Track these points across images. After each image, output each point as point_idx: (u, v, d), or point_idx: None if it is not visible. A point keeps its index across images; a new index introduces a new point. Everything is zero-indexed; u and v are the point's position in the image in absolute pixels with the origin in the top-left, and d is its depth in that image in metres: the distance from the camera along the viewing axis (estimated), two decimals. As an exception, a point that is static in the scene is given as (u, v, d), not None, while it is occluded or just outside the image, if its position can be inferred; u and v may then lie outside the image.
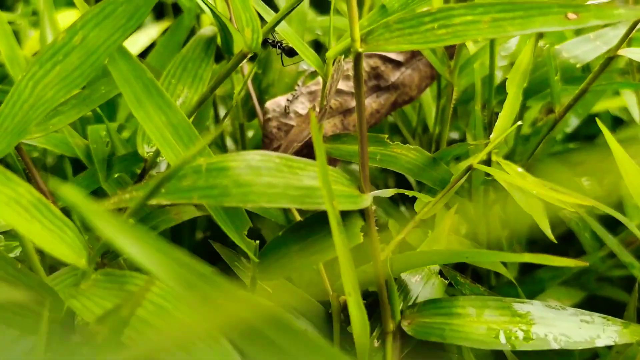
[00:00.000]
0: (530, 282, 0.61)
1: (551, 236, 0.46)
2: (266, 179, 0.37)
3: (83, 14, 0.35)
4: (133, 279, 0.34)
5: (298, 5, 0.41)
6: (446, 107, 0.58)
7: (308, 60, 0.49)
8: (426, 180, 0.50)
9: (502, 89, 0.61)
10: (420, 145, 0.70)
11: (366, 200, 0.41)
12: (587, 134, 0.88)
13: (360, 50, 0.38)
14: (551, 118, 0.62)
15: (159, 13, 1.04)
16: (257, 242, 0.42)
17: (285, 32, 0.49)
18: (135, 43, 1.00)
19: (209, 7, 0.51)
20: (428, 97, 0.64)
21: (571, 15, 0.35)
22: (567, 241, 0.70)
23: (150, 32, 0.99)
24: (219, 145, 0.70)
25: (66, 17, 0.91)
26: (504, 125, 0.52)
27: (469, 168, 0.50)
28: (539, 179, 0.78)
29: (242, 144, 0.61)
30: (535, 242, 0.76)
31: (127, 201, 0.36)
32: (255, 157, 0.38)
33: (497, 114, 0.59)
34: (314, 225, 0.42)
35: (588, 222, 0.67)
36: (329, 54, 0.51)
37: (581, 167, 0.86)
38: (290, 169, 0.39)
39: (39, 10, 0.72)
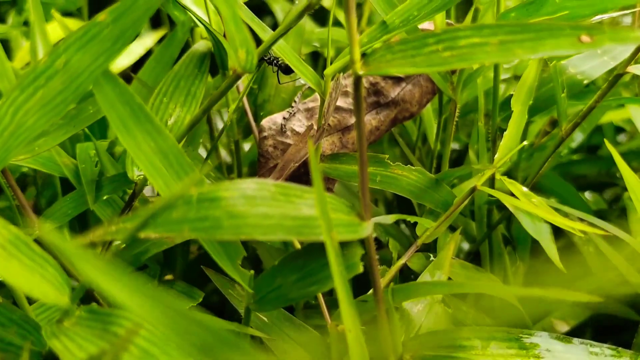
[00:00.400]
0: (534, 304, 0.59)
1: (560, 266, 0.44)
2: (261, 209, 0.35)
3: (66, 36, 0.33)
4: (119, 318, 0.32)
5: (295, 24, 0.39)
6: (448, 124, 0.56)
7: (305, 78, 0.47)
8: (428, 202, 0.48)
9: (506, 104, 0.59)
10: (421, 161, 0.68)
11: (366, 228, 0.39)
12: (589, 145, 0.86)
13: (360, 73, 0.36)
14: (557, 135, 0.60)
15: (154, 22, 1.02)
16: (252, 271, 0.40)
17: (282, 49, 0.47)
18: (130, 53, 0.98)
19: (202, 23, 0.49)
20: (429, 112, 0.62)
21: (584, 38, 0.33)
22: (568, 250, 0.68)
23: (145, 42, 0.97)
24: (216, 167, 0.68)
25: (60, 26, 0.88)
26: (509, 145, 0.50)
27: (473, 190, 0.48)
28: (543, 194, 0.76)
29: (238, 160, 0.59)
30: (539, 257, 0.75)
31: (113, 233, 0.34)
32: (250, 185, 0.36)
33: (501, 130, 0.58)
34: (312, 254, 0.40)
35: (593, 239, 0.65)
36: (327, 71, 0.49)
37: (584, 180, 0.85)
38: (286, 198, 0.37)
39: (30, 21, 0.70)
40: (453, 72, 0.58)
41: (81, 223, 0.61)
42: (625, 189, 0.87)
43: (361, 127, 0.37)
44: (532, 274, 0.77)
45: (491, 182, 0.56)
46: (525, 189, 0.52)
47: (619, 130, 0.90)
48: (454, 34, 0.35)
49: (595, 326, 0.71)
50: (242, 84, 0.59)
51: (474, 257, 0.61)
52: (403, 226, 0.65)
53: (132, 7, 0.33)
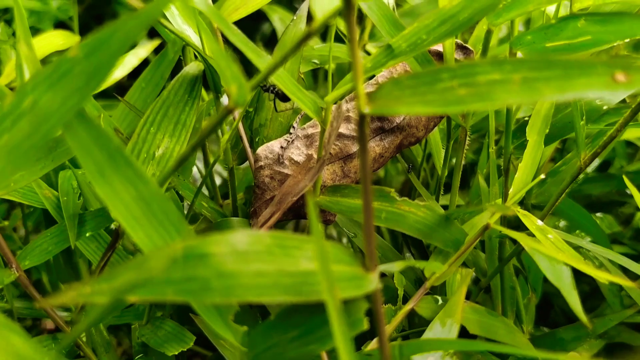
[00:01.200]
0: (550, 342, 0.55)
1: (585, 320, 0.40)
2: (255, 265, 0.32)
3: (34, 74, 0.29)
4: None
5: (294, 52, 0.35)
6: (458, 152, 0.52)
7: (304, 107, 0.43)
8: (437, 242, 0.44)
9: (520, 130, 0.55)
10: (425, 184, 0.65)
11: (372, 281, 0.35)
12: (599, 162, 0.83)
13: (365, 111, 0.32)
14: (571, 161, 0.57)
15: (150, 31, 0.98)
16: (245, 327, 0.36)
17: (279, 76, 0.43)
18: (124, 64, 0.94)
19: (192, 47, 0.46)
20: (436, 135, 0.59)
21: (619, 77, 0.29)
22: (580, 275, 0.65)
23: (139, 52, 0.93)
24: (207, 187, 0.64)
25: (49, 39, 0.85)
26: (525, 178, 0.46)
27: (486, 228, 0.44)
28: (553, 216, 0.72)
29: (232, 189, 0.55)
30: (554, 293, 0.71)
31: (87, 296, 0.30)
32: (242, 239, 0.32)
33: (514, 154, 0.54)
34: (312, 307, 0.37)
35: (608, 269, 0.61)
36: (328, 98, 0.45)
37: (594, 198, 0.81)
38: (283, 250, 0.33)
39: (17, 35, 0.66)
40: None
41: (66, 254, 0.57)
42: (638, 209, 0.83)
43: (366, 172, 0.33)
44: (545, 305, 0.74)
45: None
46: (540, 222, 0.48)
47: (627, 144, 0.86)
48: (471, 69, 0.31)
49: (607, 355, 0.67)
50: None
51: (484, 291, 0.57)
52: (408, 254, 0.61)
53: (108, 41, 0.29)
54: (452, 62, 0.51)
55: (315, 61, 0.67)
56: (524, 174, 0.46)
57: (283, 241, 0.33)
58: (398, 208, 0.45)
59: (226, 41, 0.52)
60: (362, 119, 0.33)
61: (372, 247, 0.36)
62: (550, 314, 0.77)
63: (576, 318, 0.71)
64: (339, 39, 0.95)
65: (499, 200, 0.54)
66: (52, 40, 0.82)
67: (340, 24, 0.90)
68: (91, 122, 0.31)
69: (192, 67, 0.50)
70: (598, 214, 0.77)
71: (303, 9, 0.59)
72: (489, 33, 0.47)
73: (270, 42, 1.13)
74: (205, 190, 0.71)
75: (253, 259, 0.32)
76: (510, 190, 0.46)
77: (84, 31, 1.28)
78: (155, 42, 0.83)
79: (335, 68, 0.78)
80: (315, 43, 0.86)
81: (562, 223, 0.74)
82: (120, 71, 0.93)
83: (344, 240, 0.78)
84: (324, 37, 0.94)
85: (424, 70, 0.32)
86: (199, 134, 0.39)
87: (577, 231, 0.72)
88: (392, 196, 0.45)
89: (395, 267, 0.39)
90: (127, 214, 0.32)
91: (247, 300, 0.31)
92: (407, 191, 0.81)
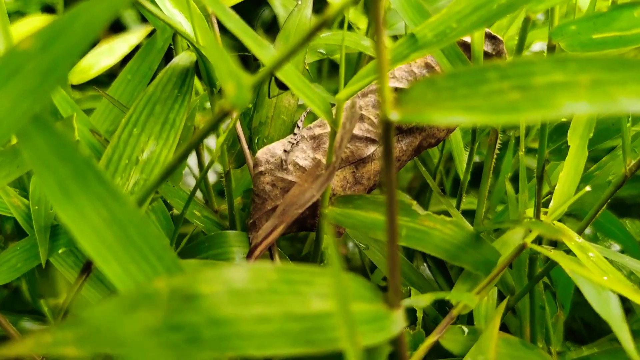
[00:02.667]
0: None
1: (633, 352, 0.34)
2: (256, 308, 0.26)
3: (-23, 72, 0.23)
4: None
5: (303, 46, 0.29)
6: (487, 160, 0.46)
7: (313, 106, 0.37)
8: (467, 264, 0.39)
9: (557, 132, 0.49)
10: (443, 190, 0.59)
11: (397, 322, 0.29)
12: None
13: (392, 118, 0.26)
14: (607, 164, 0.51)
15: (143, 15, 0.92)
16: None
17: (282, 70, 0.37)
18: (113, 51, 0.87)
19: (184, 36, 0.39)
20: (457, 136, 0.52)
21: None
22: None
23: (130, 39, 0.86)
24: (201, 189, 0.58)
25: (30, 24, 0.78)
26: (567, 190, 0.40)
27: (522, 248, 0.38)
28: (578, 219, 0.66)
29: (229, 195, 0.49)
30: (581, 299, 0.65)
31: (47, 346, 0.24)
32: (240, 275, 0.26)
33: (548, 162, 0.48)
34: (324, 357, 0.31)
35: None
36: (340, 96, 0.39)
37: (625, 203, 0.75)
38: (290, 287, 0.27)
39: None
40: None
41: (42, 269, 0.51)
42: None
43: (392, 192, 0.27)
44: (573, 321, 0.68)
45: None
46: (579, 239, 0.42)
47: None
48: (525, 68, 0.25)
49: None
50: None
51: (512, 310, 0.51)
52: (423, 267, 0.56)
53: (67, 30, 0.23)
54: (481, 53, 0.45)
55: (322, 51, 0.60)
56: (566, 185, 0.40)
57: (290, 275, 0.27)
58: (421, 224, 0.39)
59: (222, 29, 0.45)
60: (387, 127, 0.27)
61: (396, 280, 0.30)
62: (569, 322, 0.72)
63: (602, 332, 0.66)
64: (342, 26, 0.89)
65: (530, 211, 0.48)
66: (34, 26, 0.76)
67: (348, 13, 0.83)
68: (51, 128, 0.25)
69: (183, 58, 0.43)
70: (627, 219, 0.71)
71: (308, -8, 0.53)
72: (526, 21, 0.41)
73: (270, 29, 1.06)
74: (198, 192, 0.65)
75: (254, 300, 0.26)
76: (551, 204, 0.40)
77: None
78: (149, 28, 0.77)
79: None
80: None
81: (588, 229, 0.68)
82: (109, 59, 0.87)
83: (350, 244, 0.72)
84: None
85: (464, 69, 0.26)
86: (191, 137, 0.33)
87: (598, 234, 0.66)
88: (414, 210, 0.39)
89: (422, 301, 0.33)
90: (97, 242, 0.26)
91: (246, 354, 0.25)
92: (417, 191, 0.75)
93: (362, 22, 0.82)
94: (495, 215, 0.56)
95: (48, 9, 1.04)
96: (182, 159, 0.31)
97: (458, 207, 0.55)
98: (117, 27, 1.15)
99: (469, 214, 0.63)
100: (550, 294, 0.57)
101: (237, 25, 0.34)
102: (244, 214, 0.55)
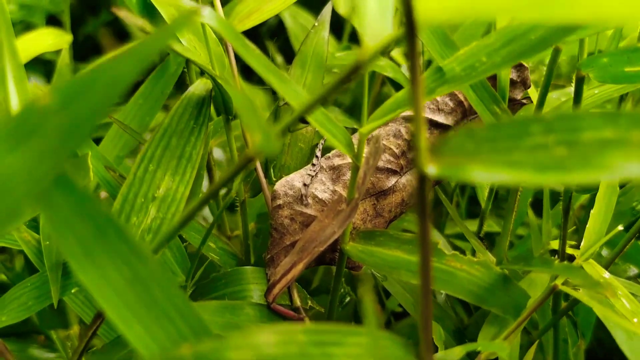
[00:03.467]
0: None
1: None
2: (286, 375, 0.24)
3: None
4: None
5: (331, 92, 0.28)
6: (512, 194, 0.45)
7: (334, 141, 0.36)
8: (495, 307, 0.37)
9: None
10: (461, 216, 0.57)
11: (430, 382, 0.28)
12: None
13: (429, 171, 0.25)
14: (632, 196, 0.49)
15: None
16: None
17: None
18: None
19: (199, 66, 0.38)
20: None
21: None
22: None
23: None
24: (211, 209, 0.57)
25: (38, 38, 0.76)
26: (598, 228, 0.39)
27: (553, 289, 0.37)
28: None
29: (244, 224, 0.48)
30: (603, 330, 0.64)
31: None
32: (269, 340, 0.25)
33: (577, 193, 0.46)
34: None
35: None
36: (364, 130, 0.37)
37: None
38: (321, 349, 0.26)
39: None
40: (515, 102, 0.46)
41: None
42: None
43: (427, 263, 0.25)
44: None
45: (562, 253, 0.45)
46: (607, 274, 0.41)
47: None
48: (572, 123, 0.24)
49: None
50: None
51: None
52: (442, 296, 0.54)
53: (91, 87, 0.21)
54: (507, 82, 0.44)
55: (336, 71, 0.59)
56: (598, 222, 0.39)
57: (320, 336, 0.26)
58: (447, 265, 0.37)
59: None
60: (422, 181, 0.25)
61: (428, 335, 0.28)
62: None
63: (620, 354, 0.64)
64: (354, 37, 0.87)
65: (555, 243, 0.47)
66: (41, 40, 0.74)
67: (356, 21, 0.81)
68: (73, 186, 0.24)
69: (199, 87, 0.42)
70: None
71: (325, 14, 0.52)
72: (556, 51, 0.40)
73: (275, 34, 1.04)
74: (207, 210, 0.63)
75: (283, 366, 0.24)
76: (582, 243, 0.39)
77: (78, 23, 1.20)
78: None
79: (355, 84, 0.70)
80: (330, 45, 0.78)
81: (605, 251, 0.66)
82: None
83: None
84: (338, 35, 0.86)
85: (507, 121, 0.24)
86: (210, 189, 0.32)
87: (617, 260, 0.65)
88: (439, 250, 0.38)
89: (453, 356, 0.31)
90: (119, 303, 0.25)
91: None
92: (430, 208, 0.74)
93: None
94: (517, 244, 0.54)
95: (53, 18, 1.02)
96: (199, 207, 0.30)
97: (479, 232, 0.53)
98: (122, 35, 1.14)
99: (487, 236, 0.62)
100: (570, 323, 0.56)
101: (258, 61, 0.32)
102: (257, 240, 0.54)
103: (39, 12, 1.03)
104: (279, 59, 0.91)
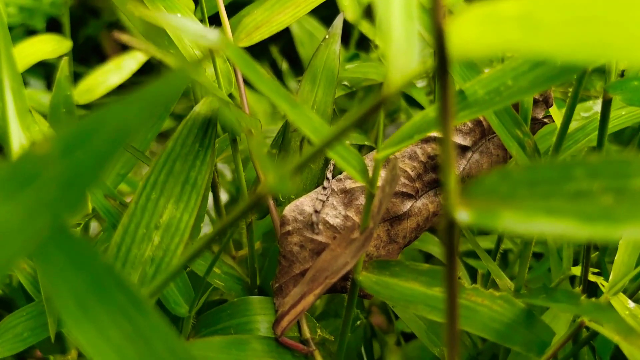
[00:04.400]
0: None
1: None
2: None
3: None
4: None
5: (348, 131, 0.25)
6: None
7: (347, 167, 0.34)
8: (518, 345, 0.35)
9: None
10: (474, 232, 0.55)
11: None
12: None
13: (460, 218, 0.23)
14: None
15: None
16: None
17: (311, 127, 0.33)
18: (121, 69, 0.84)
19: (206, 88, 0.36)
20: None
21: None
22: None
23: (138, 55, 0.83)
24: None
25: (37, 45, 0.74)
26: (627, 260, 0.36)
27: (580, 327, 0.35)
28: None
29: (250, 247, 0.45)
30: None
31: None
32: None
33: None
34: None
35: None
36: (379, 156, 0.35)
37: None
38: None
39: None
40: (536, 121, 0.44)
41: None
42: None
43: (454, 322, 0.23)
44: None
45: (584, 283, 0.42)
46: (632, 303, 0.39)
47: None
48: (619, 168, 0.22)
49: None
50: (260, 144, 0.45)
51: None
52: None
53: (93, 136, 0.19)
54: (531, 104, 0.42)
55: (346, 84, 0.57)
56: (626, 254, 0.37)
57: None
58: (468, 300, 0.35)
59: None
60: (450, 228, 0.23)
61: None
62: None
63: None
64: (361, 43, 0.85)
65: (577, 269, 0.45)
66: (41, 47, 0.72)
67: (364, 27, 0.79)
68: (71, 238, 0.21)
69: (204, 106, 0.40)
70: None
71: (336, 26, 0.49)
72: (583, 75, 0.37)
73: (279, 37, 1.02)
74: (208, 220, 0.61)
75: None
76: (611, 277, 0.37)
77: (79, 25, 1.17)
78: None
79: (363, 90, 0.67)
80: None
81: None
82: (116, 77, 0.83)
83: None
84: (345, 41, 0.83)
85: (546, 163, 0.22)
86: (216, 228, 0.29)
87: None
88: (459, 283, 0.36)
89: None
90: (118, 361, 0.23)
91: None
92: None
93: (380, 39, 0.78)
94: (535, 267, 0.52)
95: (53, 21, 1.00)
96: (205, 246, 0.28)
97: (497, 252, 0.51)
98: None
99: (501, 255, 0.60)
100: (589, 348, 0.54)
101: (270, 88, 0.30)
102: (263, 260, 0.52)
103: (39, 15, 1.00)
104: (285, 65, 0.89)
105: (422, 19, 0.36)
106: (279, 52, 0.92)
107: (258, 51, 1.03)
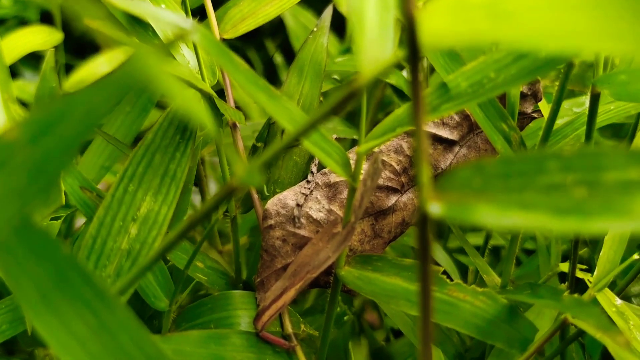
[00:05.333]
0: None
1: None
2: None
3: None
4: None
5: (321, 121, 0.25)
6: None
7: (329, 162, 0.33)
8: (500, 341, 0.34)
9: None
10: (464, 230, 0.54)
11: None
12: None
13: (431, 210, 0.22)
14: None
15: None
16: None
17: (292, 119, 0.33)
18: (111, 60, 0.83)
19: (189, 82, 0.35)
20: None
21: None
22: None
23: (128, 49, 0.82)
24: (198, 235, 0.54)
25: (27, 37, 0.74)
26: (612, 257, 0.36)
27: (562, 324, 0.34)
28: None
29: (235, 241, 0.45)
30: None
31: None
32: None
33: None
34: None
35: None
36: (360, 149, 0.35)
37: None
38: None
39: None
40: (525, 115, 0.44)
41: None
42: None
43: (428, 311, 0.23)
44: None
45: (571, 279, 0.42)
46: (619, 300, 0.39)
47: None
48: (592, 161, 0.21)
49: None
50: (240, 137, 0.44)
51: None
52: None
53: (62, 120, 0.18)
54: (518, 97, 0.41)
55: (336, 77, 0.56)
56: (611, 250, 0.36)
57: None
58: (449, 295, 0.35)
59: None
60: (424, 221, 0.23)
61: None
62: None
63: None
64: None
65: (565, 265, 0.44)
66: (31, 38, 0.71)
67: (354, 42, 0.78)
68: (30, 225, 0.21)
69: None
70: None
71: (325, 18, 0.49)
72: (569, 66, 0.37)
73: (276, 31, 1.01)
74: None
75: None
76: (595, 272, 0.36)
77: (75, 18, 1.17)
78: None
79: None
80: (331, 45, 0.75)
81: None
82: (107, 68, 0.83)
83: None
84: (340, 33, 0.82)
85: (519, 155, 0.22)
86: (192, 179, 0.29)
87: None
88: (441, 278, 0.35)
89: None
90: (83, 356, 0.22)
91: None
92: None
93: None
94: (524, 263, 0.52)
95: (47, 14, 1.00)
96: (176, 242, 0.27)
97: (485, 248, 0.51)
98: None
99: (492, 251, 0.59)
100: (578, 345, 0.53)
101: (247, 79, 0.30)
102: (250, 254, 0.51)
103: (33, 7, 1.00)
104: (279, 59, 0.88)
105: (400, 7, 0.35)
106: (277, 48, 0.91)
107: (255, 46, 1.02)
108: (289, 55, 0.88)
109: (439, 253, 0.56)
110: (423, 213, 0.22)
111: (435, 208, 0.22)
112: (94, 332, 0.22)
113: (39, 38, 0.73)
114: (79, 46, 1.16)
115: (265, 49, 0.95)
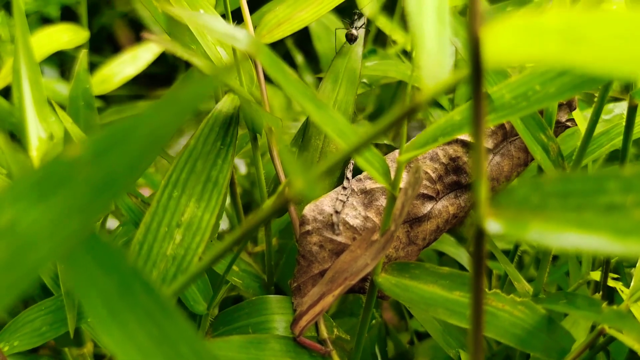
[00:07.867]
0: None
1: None
2: None
3: (13, 183, 0.19)
4: None
5: (375, 139, 0.25)
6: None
7: (370, 170, 0.33)
8: (537, 350, 0.35)
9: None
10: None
11: None
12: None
13: (489, 228, 0.22)
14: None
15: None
16: None
17: (337, 128, 0.33)
18: (136, 60, 0.84)
19: (231, 87, 0.36)
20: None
21: None
22: None
23: (153, 47, 0.83)
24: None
25: (53, 35, 0.74)
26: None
27: (600, 334, 0.34)
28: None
29: (268, 244, 0.45)
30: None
31: None
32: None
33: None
34: None
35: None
36: (402, 158, 0.35)
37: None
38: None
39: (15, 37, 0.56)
40: (559, 124, 0.44)
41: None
42: None
43: (479, 324, 0.23)
44: None
45: (603, 289, 0.42)
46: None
47: None
48: (655, 182, 0.21)
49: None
50: (276, 142, 0.45)
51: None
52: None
53: (127, 139, 0.19)
54: (555, 107, 0.41)
55: (365, 81, 0.56)
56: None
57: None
58: (489, 305, 0.35)
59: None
60: (479, 238, 0.23)
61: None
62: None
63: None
64: (378, 38, 0.85)
65: (597, 274, 0.44)
66: (57, 37, 0.72)
67: (381, 22, 0.79)
68: (97, 240, 0.21)
69: (226, 104, 0.39)
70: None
71: (360, 29, 0.49)
72: (608, 84, 0.37)
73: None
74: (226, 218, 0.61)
75: None
76: (632, 283, 0.36)
77: (92, 14, 1.17)
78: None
79: (380, 88, 0.67)
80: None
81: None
82: (132, 68, 0.83)
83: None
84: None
85: (578, 175, 0.22)
86: (239, 227, 0.29)
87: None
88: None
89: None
90: (146, 366, 0.23)
91: None
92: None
93: (398, 35, 0.78)
94: (552, 270, 0.52)
95: (67, 10, 1.00)
96: (222, 254, 0.28)
97: (515, 254, 0.51)
98: (137, 26, 1.11)
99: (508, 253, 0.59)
100: (603, 353, 0.54)
101: (297, 90, 0.30)
102: (279, 257, 0.52)
103: (53, 3, 1.00)
104: (300, 58, 0.88)
105: (453, 26, 0.36)
106: (294, 45, 0.91)
107: (272, 44, 1.02)
108: (306, 52, 0.89)
109: (464, 256, 0.56)
110: (479, 230, 0.23)
111: (494, 225, 0.23)
112: (156, 343, 0.23)
113: (65, 37, 0.73)
114: (96, 43, 1.16)
115: (281, 45, 0.95)
